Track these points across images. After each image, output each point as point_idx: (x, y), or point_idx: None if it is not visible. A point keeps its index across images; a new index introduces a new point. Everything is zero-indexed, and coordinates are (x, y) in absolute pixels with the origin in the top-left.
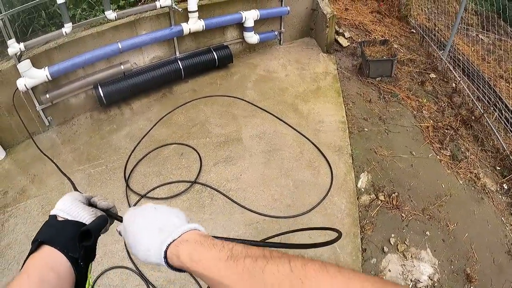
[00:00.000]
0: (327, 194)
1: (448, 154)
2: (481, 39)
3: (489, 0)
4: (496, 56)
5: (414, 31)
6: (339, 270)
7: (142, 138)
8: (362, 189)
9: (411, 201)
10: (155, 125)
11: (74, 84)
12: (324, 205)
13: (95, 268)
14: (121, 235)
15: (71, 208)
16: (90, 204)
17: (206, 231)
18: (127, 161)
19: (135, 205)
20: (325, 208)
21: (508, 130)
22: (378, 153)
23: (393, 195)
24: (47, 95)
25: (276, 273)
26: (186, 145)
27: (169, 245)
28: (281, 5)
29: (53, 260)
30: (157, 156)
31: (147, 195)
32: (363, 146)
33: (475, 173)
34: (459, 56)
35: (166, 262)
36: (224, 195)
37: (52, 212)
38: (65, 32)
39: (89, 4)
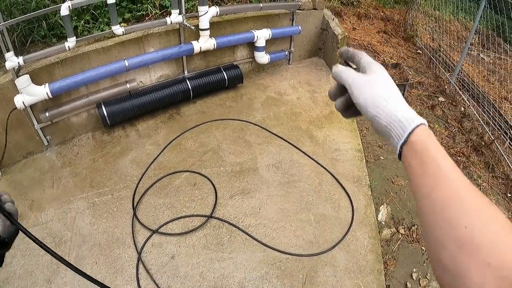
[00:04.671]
0: (349, 229)
1: None
2: (482, 58)
3: (485, 17)
4: (498, 76)
5: (421, 52)
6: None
7: (150, 165)
8: (383, 223)
9: None
10: (163, 150)
11: (76, 103)
12: (347, 241)
13: None
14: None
15: None
16: None
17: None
18: (135, 191)
19: (145, 243)
20: (348, 244)
21: None
22: (395, 183)
23: (413, 227)
24: (47, 114)
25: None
26: (199, 173)
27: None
28: (292, 24)
29: None
30: (168, 186)
31: (159, 230)
32: (380, 175)
33: None
34: (464, 78)
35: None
36: (244, 232)
37: None
38: (68, 47)
39: (93, 15)
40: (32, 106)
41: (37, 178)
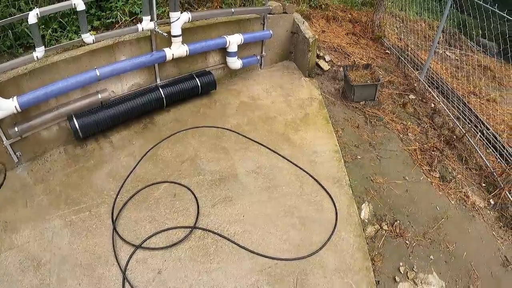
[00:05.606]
0: (334, 230)
1: (437, 176)
2: (448, 55)
3: (450, 16)
4: (465, 72)
5: (389, 52)
6: None
7: (127, 178)
8: (366, 220)
9: (412, 227)
10: (139, 161)
11: (46, 116)
12: (333, 241)
13: None
14: None
15: None
16: None
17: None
18: (114, 205)
19: (129, 260)
20: (335, 245)
21: (490, 148)
22: (374, 181)
23: (395, 223)
24: (16, 128)
25: None
26: (179, 183)
27: None
28: (263, 29)
29: None
30: (148, 198)
31: (142, 245)
32: (359, 175)
33: (463, 192)
34: (432, 75)
35: None
36: (230, 240)
37: None
38: (37, 57)
39: (60, 24)
40: (0, 121)
41: (9, 197)
